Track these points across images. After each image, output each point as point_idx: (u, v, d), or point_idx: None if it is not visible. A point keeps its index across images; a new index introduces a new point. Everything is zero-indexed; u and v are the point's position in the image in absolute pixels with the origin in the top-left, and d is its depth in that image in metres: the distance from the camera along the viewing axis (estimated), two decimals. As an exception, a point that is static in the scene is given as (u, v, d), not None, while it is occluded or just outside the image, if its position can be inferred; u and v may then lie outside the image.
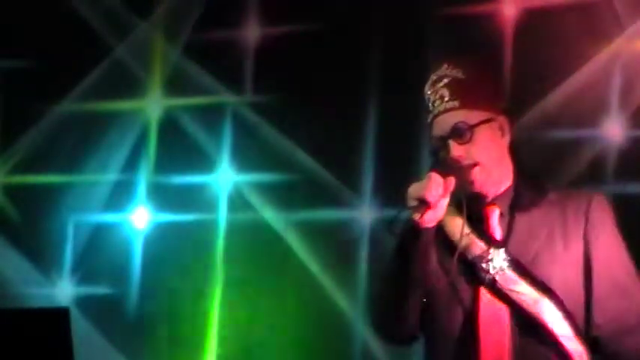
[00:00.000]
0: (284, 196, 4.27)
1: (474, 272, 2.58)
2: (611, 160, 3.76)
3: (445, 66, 2.63)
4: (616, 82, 3.77)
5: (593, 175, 3.75)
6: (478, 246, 2.58)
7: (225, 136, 4.40)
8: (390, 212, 3.90)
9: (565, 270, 2.57)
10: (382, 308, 2.71)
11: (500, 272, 2.56)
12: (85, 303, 4.47)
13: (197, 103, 4.45)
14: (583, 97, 3.80)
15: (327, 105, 4.17)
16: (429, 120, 2.64)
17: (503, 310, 2.56)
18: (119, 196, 4.53)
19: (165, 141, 4.50)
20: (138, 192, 4.51)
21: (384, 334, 2.79)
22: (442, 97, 2.60)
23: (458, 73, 2.60)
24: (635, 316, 2.56)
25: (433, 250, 2.59)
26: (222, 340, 4.33)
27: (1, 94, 4.72)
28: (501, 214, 2.62)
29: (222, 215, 4.38)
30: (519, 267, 2.56)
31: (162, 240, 4.46)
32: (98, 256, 4.52)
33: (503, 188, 2.64)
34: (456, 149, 2.56)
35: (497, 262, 2.57)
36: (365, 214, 4.15)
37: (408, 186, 2.50)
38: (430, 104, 2.63)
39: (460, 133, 2.57)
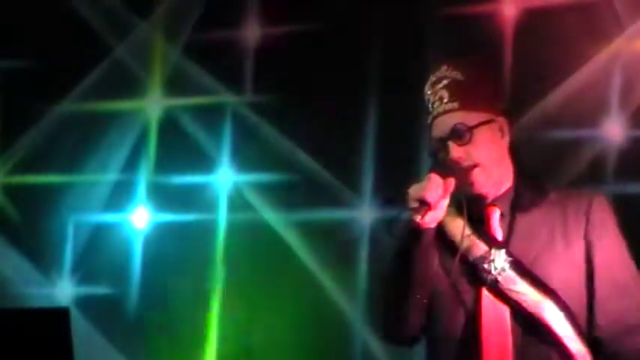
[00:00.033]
0: (284, 196, 4.27)
1: (475, 273, 2.58)
2: (611, 160, 3.76)
3: (444, 67, 2.63)
4: (616, 82, 3.77)
5: (593, 175, 3.75)
6: (479, 247, 2.59)
7: (225, 136, 4.40)
8: (390, 212, 3.95)
9: (566, 270, 2.57)
10: (383, 309, 2.71)
11: (501, 273, 2.56)
12: (85, 303, 4.47)
13: (197, 103, 4.45)
14: (583, 97, 3.80)
15: (327, 105, 4.17)
16: (428, 121, 2.64)
17: (505, 311, 2.56)
18: (119, 196, 4.53)
19: (165, 141, 4.50)
20: (138, 192, 4.51)
21: (385, 334, 2.79)
22: (441, 99, 2.60)
23: (457, 75, 2.60)
24: (636, 315, 2.57)
25: (434, 251, 2.59)
26: (222, 340, 4.33)
27: (1, 94, 4.72)
28: (502, 215, 2.63)
29: (222, 215, 4.38)
30: (521, 267, 2.56)
31: (162, 240, 4.46)
32: (98, 256, 4.52)
33: (503, 189, 2.64)
34: (455, 151, 2.56)
35: (499, 262, 2.57)
36: (365, 214, 4.15)
37: (408, 186, 2.51)
38: (430, 105, 2.63)
39: (459, 134, 2.57)
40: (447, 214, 2.56)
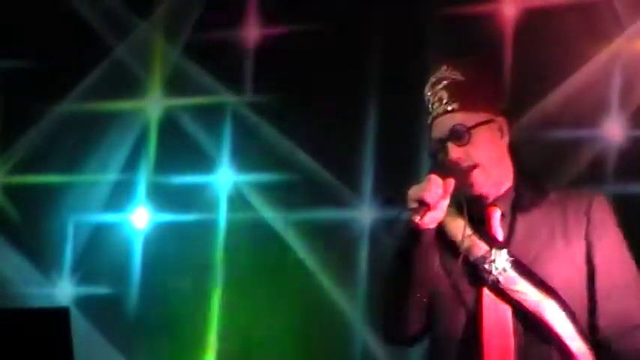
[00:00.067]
0: (284, 196, 4.27)
1: (476, 273, 2.58)
2: (611, 160, 3.76)
3: (444, 68, 2.63)
4: (616, 82, 3.77)
5: (593, 175, 3.75)
6: (480, 247, 2.59)
7: (225, 136, 4.40)
8: (390, 212, 3.95)
9: (566, 270, 2.57)
10: (383, 309, 2.71)
11: (502, 273, 2.56)
12: (85, 303, 4.47)
13: (197, 103, 4.45)
14: (583, 97, 3.80)
15: (327, 105, 4.16)
16: (428, 122, 2.64)
17: (506, 311, 2.56)
18: (119, 196, 4.53)
19: (165, 141, 4.50)
20: (138, 192, 4.51)
21: (385, 334, 2.79)
22: (441, 100, 2.60)
23: (457, 75, 2.60)
24: (637, 316, 2.56)
25: (434, 252, 2.60)
26: (222, 340, 4.33)
27: (1, 94, 4.72)
28: (503, 215, 2.63)
29: (222, 215, 4.38)
30: (522, 267, 2.56)
31: (162, 240, 4.46)
32: (98, 256, 4.52)
33: (503, 189, 2.64)
34: (454, 151, 2.57)
35: (500, 262, 2.57)
36: (365, 214, 4.15)
37: (408, 187, 2.51)
38: (429, 106, 2.63)
39: (458, 135, 2.57)
40: (448, 214, 2.57)
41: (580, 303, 2.57)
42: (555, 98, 3.82)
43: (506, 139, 2.64)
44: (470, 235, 2.58)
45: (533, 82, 3.83)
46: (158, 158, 4.49)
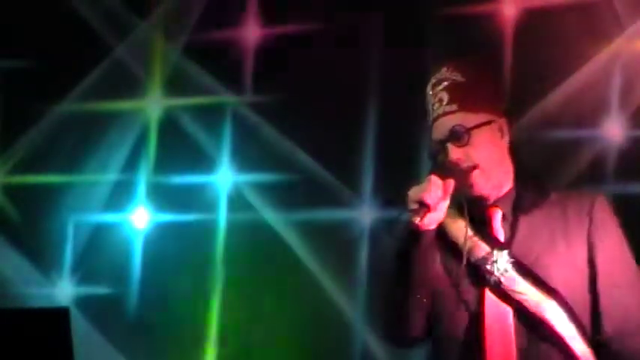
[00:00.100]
0: (284, 196, 4.27)
1: (478, 274, 2.58)
2: (611, 160, 3.76)
3: (445, 69, 2.63)
4: (616, 82, 3.77)
5: (593, 175, 3.75)
6: (482, 248, 2.58)
7: (225, 136, 4.40)
8: (390, 212, 3.95)
9: (567, 270, 2.57)
10: (383, 309, 2.71)
11: (504, 274, 2.56)
12: (85, 303, 4.47)
13: (197, 103, 4.45)
14: (583, 97, 3.80)
15: (327, 105, 4.16)
16: (429, 123, 2.64)
17: (508, 312, 2.56)
18: (119, 196, 4.53)
19: (165, 141, 4.50)
20: (138, 192, 4.51)
21: (386, 334, 2.79)
22: (441, 101, 2.60)
23: (457, 76, 2.60)
24: (638, 316, 2.57)
25: (434, 253, 2.60)
26: (222, 340, 4.33)
27: (1, 94, 4.72)
28: (504, 216, 2.63)
29: (222, 215, 4.38)
30: (523, 268, 2.56)
31: (162, 240, 4.45)
32: (98, 256, 4.52)
33: (504, 190, 2.64)
34: (454, 152, 2.57)
35: (502, 263, 2.57)
36: (365, 214, 4.15)
37: (408, 187, 2.51)
38: (430, 107, 2.63)
39: (458, 136, 2.57)
40: (449, 215, 2.57)
41: (581, 303, 2.56)
42: (555, 98, 3.82)
43: (506, 139, 2.64)
44: (471, 236, 2.58)
45: (533, 82, 3.83)
46: (158, 158, 4.49)
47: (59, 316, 3.24)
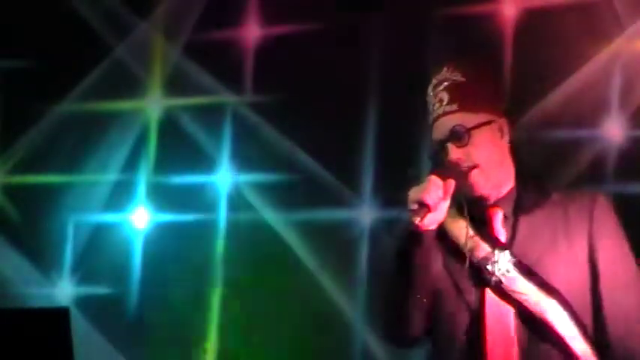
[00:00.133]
0: (284, 196, 4.27)
1: (479, 274, 2.58)
2: (611, 160, 3.76)
3: (445, 69, 2.63)
4: (616, 82, 3.77)
5: (593, 175, 3.75)
6: (483, 248, 2.58)
7: (225, 136, 4.40)
8: (390, 212, 3.95)
9: (568, 270, 2.57)
10: (384, 309, 2.71)
11: (505, 274, 2.56)
12: (85, 303, 4.47)
13: (197, 103, 4.45)
14: (583, 97, 3.80)
15: (327, 105, 4.16)
16: (430, 123, 2.65)
17: (509, 312, 2.56)
18: (119, 196, 4.53)
19: (165, 141, 4.50)
20: (138, 192, 4.51)
21: (386, 334, 2.79)
22: (441, 101, 2.60)
23: (457, 76, 2.60)
24: None
25: (435, 253, 2.60)
26: (222, 340, 4.33)
27: (1, 94, 4.72)
28: (505, 217, 2.62)
29: (222, 215, 4.38)
30: (524, 268, 2.56)
31: (162, 240, 4.46)
32: (98, 256, 4.52)
33: (505, 190, 2.64)
34: (454, 152, 2.57)
35: (503, 264, 2.57)
36: (365, 214, 4.15)
37: (408, 187, 2.51)
38: (431, 108, 2.63)
39: (458, 136, 2.57)
40: (450, 215, 2.57)
41: (583, 303, 2.57)
42: (555, 98, 3.82)
43: (506, 139, 2.63)
44: (472, 236, 2.58)
45: (533, 82, 3.83)
46: (158, 158, 4.49)
47: (59, 316, 3.24)
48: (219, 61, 4.41)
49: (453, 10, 3.99)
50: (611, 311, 2.56)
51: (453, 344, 2.60)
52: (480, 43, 3.90)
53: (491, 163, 2.59)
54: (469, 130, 2.56)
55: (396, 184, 2.61)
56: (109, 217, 4.54)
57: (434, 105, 2.62)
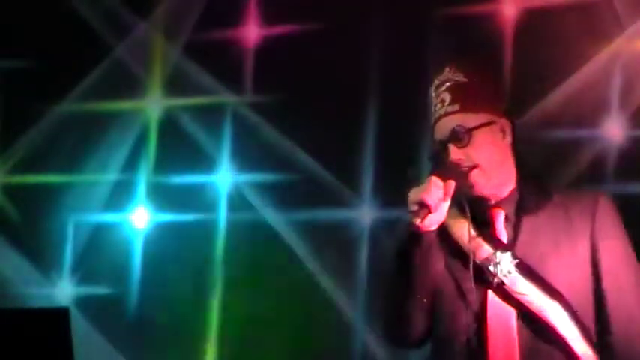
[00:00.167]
0: (284, 196, 4.27)
1: (481, 275, 2.58)
2: (611, 160, 3.76)
3: (447, 69, 2.63)
4: (616, 82, 3.77)
5: (593, 175, 3.75)
6: (485, 249, 2.58)
7: (225, 136, 4.40)
8: (390, 212, 3.95)
9: (571, 271, 2.57)
10: (384, 310, 2.71)
11: (507, 275, 2.56)
12: (85, 303, 4.47)
13: (197, 103, 4.45)
14: (583, 97, 3.80)
15: (327, 105, 4.16)
16: (431, 124, 2.65)
17: (511, 313, 2.56)
18: (119, 196, 4.53)
19: (165, 141, 4.50)
20: (138, 192, 4.51)
21: (387, 335, 2.79)
22: (443, 101, 2.60)
23: (459, 77, 2.60)
24: None
25: (435, 254, 2.60)
26: (222, 340, 4.33)
27: (1, 94, 4.72)
28: (506, 217, 2.62)
29: (222, 215, 4.38)
30: (526, 270, 2.56)
31: (162, 240, 4.45)
32: (98, 256, 4.52)
33: (506, 191, 2.64)
34: (455, 153, 2.57)
35: (505, 265, 2.56)
36: (365, 214, 4.15)
37: (408, 188, 2.51)
38: (433, 108, 2.63)
39: (458, 136, 2.57)
40: (451, 216, 2.57)
41: (585, 305, 2.57)
42: (555, 98, 3.82)
43: (508, 140, 2.63)
44: (474, 237, 2.58)
45: (533, 82, 3.83)
46: (158, 158, 4.49)
47: (59, 316, 3.24)
48: (219, 61, 4.41)
49: (453, 10, 3.99)
50: (614, 312, 2.56)
51: (453, 345, 2.60)
52: (480, 43, 3.90)
53: (491, 164, 2.59)
54: (469, 130, 2.56)
55: (396, 184, 2.61)
56: (109, 217, 4.54)
57: (436, 105, 2.62)
